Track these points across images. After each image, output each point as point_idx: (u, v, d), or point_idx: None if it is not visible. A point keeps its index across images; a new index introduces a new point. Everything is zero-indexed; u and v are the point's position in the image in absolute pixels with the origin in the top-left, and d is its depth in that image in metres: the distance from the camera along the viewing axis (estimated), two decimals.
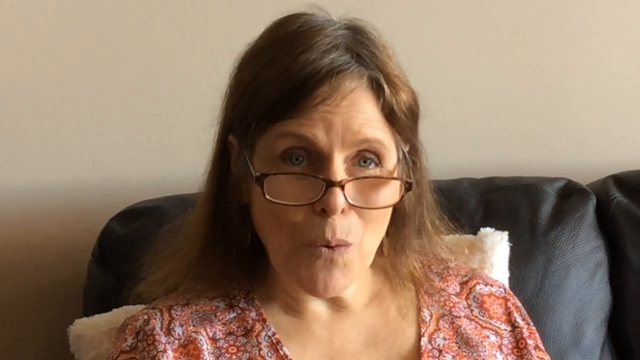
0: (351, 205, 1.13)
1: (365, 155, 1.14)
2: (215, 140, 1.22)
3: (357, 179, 1.13)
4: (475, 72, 1.83)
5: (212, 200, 1.21)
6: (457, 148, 1.83)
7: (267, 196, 1.12)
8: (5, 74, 1.67)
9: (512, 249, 1.51)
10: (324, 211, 1.12)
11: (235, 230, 1.20)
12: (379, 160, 1.15)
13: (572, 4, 1.84)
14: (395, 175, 1.17)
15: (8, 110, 1.67)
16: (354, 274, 1.18)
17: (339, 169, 1.12)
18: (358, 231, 1.15)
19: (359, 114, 1.13)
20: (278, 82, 1.12)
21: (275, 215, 1.14)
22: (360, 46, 1.16)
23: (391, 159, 1.16)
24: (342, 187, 1.11)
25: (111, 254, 1.54)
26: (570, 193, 1.63)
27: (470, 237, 1.50)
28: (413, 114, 1.19)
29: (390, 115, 1.15)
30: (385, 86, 1.15)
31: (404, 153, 1.19)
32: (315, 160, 1.13)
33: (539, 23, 1.83)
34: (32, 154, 1.68)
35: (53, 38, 1.68)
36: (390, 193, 1.16)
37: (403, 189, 1.17)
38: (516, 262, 1.53)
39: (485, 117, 1.84)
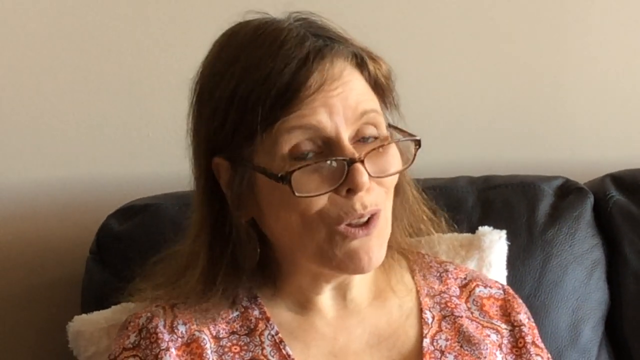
0: (372, 178, 1.14)
1: (365, 131, 1.16)
2: (197, 167, 1.21)
3: (374, 149, 1.14)
4: (473, 70, 1.83)
5: (210, 229, 1.19)
6: (455, 146, 1.83)
7: (297, 193, 1.12)
8: (1, 72, 1.67)
9: (509, 248, 1.51)
10: (349, 191, 1.13)
11: (243, 251, 1.18)
12: (377, 130, 1.17)
13: (570, 3, 1.84)
14: (390, 139, 1.18)
15: (5, 107, 1.67)
16: (386, 241, 1.20)
17: (351, 147, 1.14)
18: (383, 198, 1.17)
19: (353, 91, 1.15)
20: (268, 84, 1.12)
21: (300, 212, 1.14)
22: (323, 31, 1.18)
23: (384, 126, 1.18)
24: (362, 162, 1.12)
25: (109, 250, 1.53)
26: (568, 191, 1.63)
27: (468, 235, 1.50)
28: (392, 79, 1.22)
29: (375, 85, 1.19)
30: (367, 60, 1.17)
31: (387, 120, 1.21)
32: (323, 148, 1.14)
33: (536, 22, 1.83)
34: (30, 150, 1.68)
35: (50, 35, 1.67)
36: (397, 158, 1.18)
37: (413, 147, 1.19)
38: (514, 260, 1.53)
39: (483, 115, 1.84)
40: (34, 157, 1.68)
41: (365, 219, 1.15)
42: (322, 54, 1.13)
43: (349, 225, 1.14)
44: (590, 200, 1.64)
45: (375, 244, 1.16)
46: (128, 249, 1.48)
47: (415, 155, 1.18)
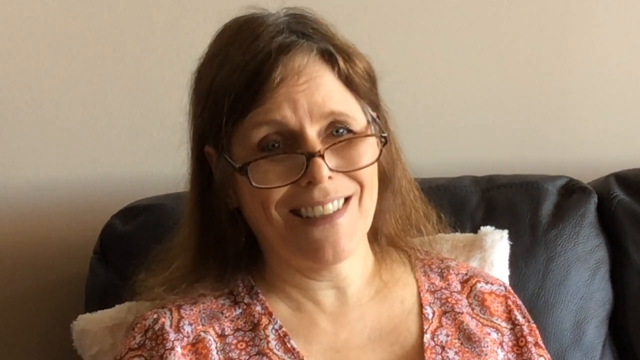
0: (336, 171, 1.16)
1: (337, 126, 1.17)
2: (190, 155, 1.25)
3: (334, 144, 1.16)
4: (477, 70, 1.83)
5: (200, 213, 1.23)
6: (459, 146, 1.83)
7: (254, 183, 1.15)
8: (6, 72, 1.67)
9: (513, 247, 1.51)
10: (310, 183, 1.15)
11: (227, 237, 1.22)
12: (349, 128, 1.18)
13: (574, 3, 1.84)
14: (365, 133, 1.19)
15: (10, 107, 1.68)
16: (358, 235, 1.20)
17: (315, 141, 1.15)
18: (350, 187, 1.18)
19: (320, 87, 1.16)
20: (235, 76, 1.15)
21: (262, 201, 1.17)
22: (303, 26, 1.19)
23: (360, 123, 1.19)
24: (322, 157, 1.14)
25: (113, 251, 1.54)
26: (572, 191, 1.63)
27: (470, 235, 1.50)
28: (370, 77, 1.22)
29: (348, 82, 1.19)
30: (337, 55, 1.18)
31: (372, 116, 1.21)
32: (290, 141, 1.16)
33: (539, 22, 1.83)
34: (34, 151, 1.69)
35: (54, 35, 1.68)
36: (371, 152, 1.19)
37: (380, 143, 1.19)
38: (517, 260, 1.54)
39: (487, 115, 1.84)
40: (37, 157, 1.69)
41: (330, 208, 1.16)
42: (288, 48, 1.16)
43: (309, 216, 1.16)
44: (593, 200, 1.63)
45: (342, 237, 1.17)
46: (131, 249, 1.48)
47: (381, 151, 1.19)
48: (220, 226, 1.21)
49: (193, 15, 1.72)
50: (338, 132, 1.17)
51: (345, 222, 1.17)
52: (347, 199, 1.18)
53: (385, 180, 1.24)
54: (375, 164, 1.21)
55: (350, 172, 1.17)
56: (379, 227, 1.27)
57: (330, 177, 1.15)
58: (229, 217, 1.21)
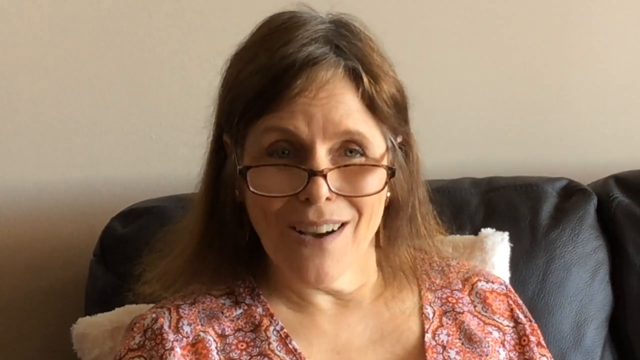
0: (336, 194, 1.14)
1: (350, 146, 1.15)
2: (210, 139, 1.23)
3: (339, 167, 1.14)
4: (476, 72, 1.83)
5: (207, 198, 1.22)
6: (459, 148, 1.83)
7: (251, 188, 1.14)
8: (5, 73, 1.67)
9: (512, 249, 1.51)
10: (309, 200, 1.13)
11: (230, 229, 1.21)
12: (363, 151, 1.16)
13: (573, 4, 1.84)
14: (383, 163, 1.17)
15: (10, 109, 1.67)
16: (347, 261, 1.18)
17: (322, 159, 1.13)
18: (348, 212, 1.16)
19: (339, 105, 1.13)
20: (257, 77, 1.13)
21: (262, 207, 1.16)
22: (340, 38, 1.16)
23: (376, 148, 1.17)
24: (325, 176, 1.12)
25: (112, 253, 1.54)
26: (572, 193, 1.63)
27: (471, 237, 1.50)
28: (397, 103, 1.19)
29: (371, 104, 1.16)
30: (363, 75, 1.15)
31: (392, 143, 1.19)
32: (299, 153, 1.14)
33: (539, 23, 1.84)
34: (34, 153, 1.69)
35: (53, 37, 1.68)
36: (378, 181, 1.16)
37: (387, 176, 1.17)
38: (517, 261, 1.53)
39: (487, 117, 1.84)
40: (37, 159, 1.69)
41: (323, 229, 1.15)
42: (314, 60, 1.13)
43: (301, 232, 1.15)
44: (593, 202, 1.64)
45: (329, 261, 1.16)
46: (131, 252, 1.48)
47: (386, 182, 1.17)
48: (224, 217, 1.20)
49: (193, 17, 1.71)
50: (351, 152, 1.15)
51: (335, 247, 1.15)
52: (342, 224, 1.16)
53: (397, 207, 1.21)
54: (384, 194, 1.18)
55: (350, 198, 1.15)
56: (391, 256, 1.25)
57: (329, 199, 1.13)
58: (233, 209, 1.20)
